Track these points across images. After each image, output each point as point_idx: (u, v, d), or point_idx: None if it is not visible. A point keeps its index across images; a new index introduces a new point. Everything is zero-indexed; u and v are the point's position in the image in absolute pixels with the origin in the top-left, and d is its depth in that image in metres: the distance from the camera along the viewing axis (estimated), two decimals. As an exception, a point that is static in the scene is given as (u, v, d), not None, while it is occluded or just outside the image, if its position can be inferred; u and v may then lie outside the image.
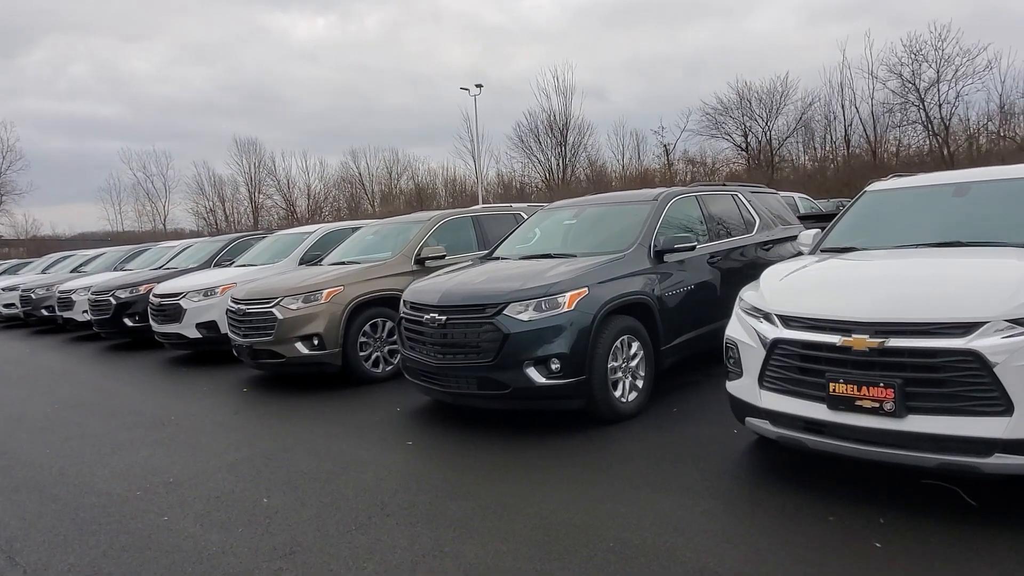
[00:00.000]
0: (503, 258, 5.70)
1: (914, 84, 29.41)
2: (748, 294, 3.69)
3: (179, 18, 67.30)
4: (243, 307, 6.41)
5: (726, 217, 6.09)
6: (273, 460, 4.36)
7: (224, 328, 7.44)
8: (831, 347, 2.97)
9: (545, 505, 3.33)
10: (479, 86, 34.38)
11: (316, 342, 6.02)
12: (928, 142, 30.16)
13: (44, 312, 13.08)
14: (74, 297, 11.54)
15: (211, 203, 53.47)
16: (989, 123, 28.49)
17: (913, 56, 29.09)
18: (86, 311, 10.80)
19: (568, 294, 4.37)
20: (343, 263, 7.14)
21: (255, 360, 6.37)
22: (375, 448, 4.49)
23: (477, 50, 62.22)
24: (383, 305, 6.31)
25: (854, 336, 2.88)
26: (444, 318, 4.51)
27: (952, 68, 28.36)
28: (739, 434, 4.00)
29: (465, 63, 61.28)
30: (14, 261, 22.36)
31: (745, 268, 5.82)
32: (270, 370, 6.64)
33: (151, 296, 8.62)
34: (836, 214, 4.91)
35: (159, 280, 9.49)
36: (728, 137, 38.68)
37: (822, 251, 4.22)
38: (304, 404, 5.79)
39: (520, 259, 5.44)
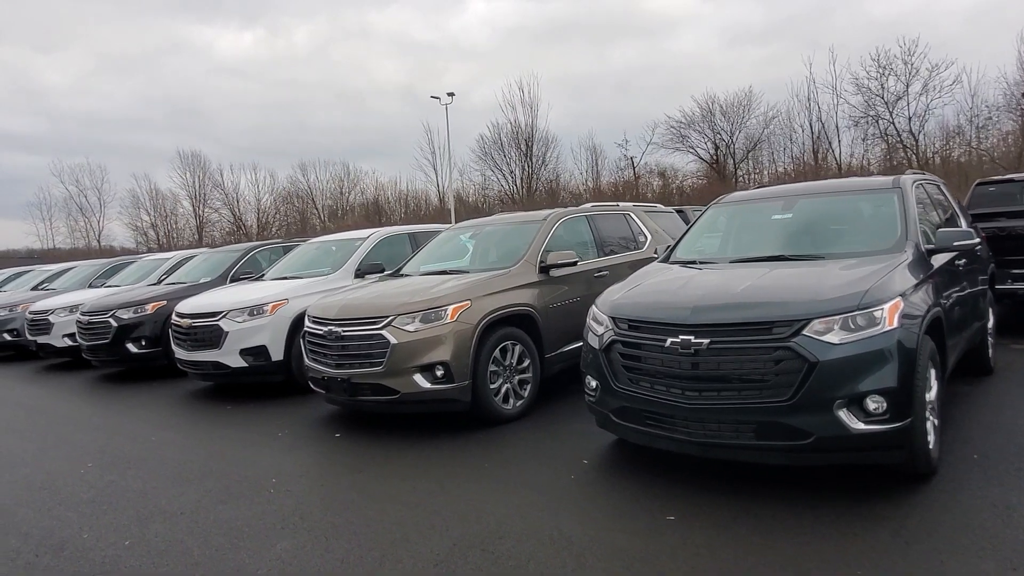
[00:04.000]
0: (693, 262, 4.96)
1: (882, 97, 31.45)
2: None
3: (95, 29, 68.69)
4: (335, 329, 5.41)
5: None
6: (491, 550, 3.31)
7: (276, 354, 6.98)
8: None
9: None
10: (451, 94, 35.54)
11: (441, 373, 5.13)
12: (891, 155, 32.29)
13: (7, 336, 12.07)
14: (51, 319, 10.51)
15: (152, 218, 53.51)
16: (957, 137, 30.62)
17: (881, 70, 31.19)
18: (69, 335, 10.05)
19: (887, 306, 3.50)
20: (442, 272, 6.24)
21: (352, 396, 5.39)
22: (629, 530, 3.42)
23: (408, 65, 66.14)
24: (512, 324, 5.61)
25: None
26: (705, 341, 3.59)
27: (921, 81, 30.50)
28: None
29: (397, 79, 65.02)
30: None
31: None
32: (371, 408, 5.59)
33: (174, 317, 7.65)
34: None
35: (170, 297, 8.80)
36: (692, 150, 40.54)
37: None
38: (436, 453, 4.84)
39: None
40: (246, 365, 7.08)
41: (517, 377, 5.64)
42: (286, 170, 71.56)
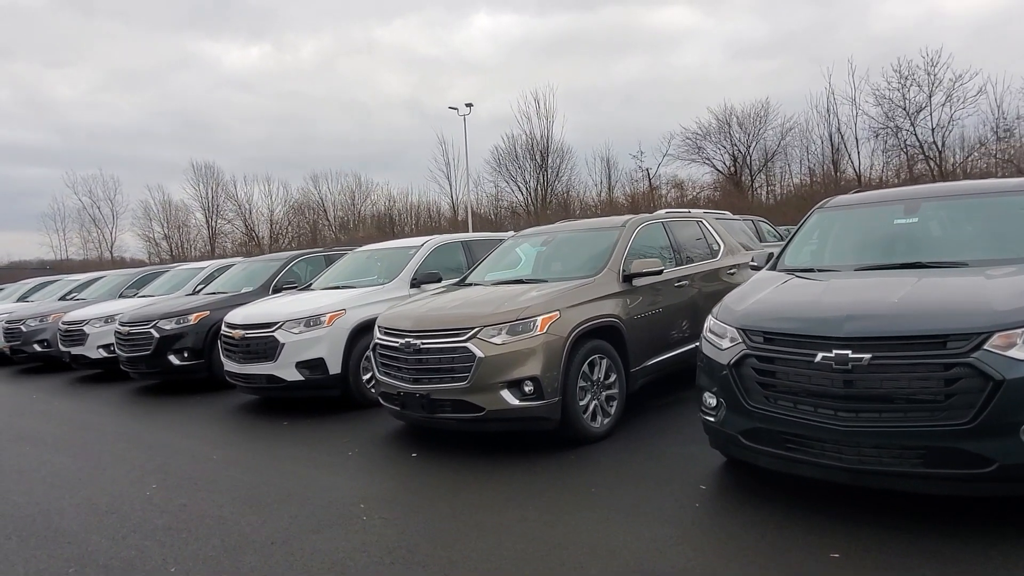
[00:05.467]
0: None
1: (904, 108, 31.11)
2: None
3: (105, 45, 70.34)
4: (413, 341, 5.07)
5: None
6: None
7: (334, 367, 6.64)
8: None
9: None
10: (469, 105, 35.39)
11: (530, 388, 4.78)
12: (911, 166, 31.94)
13: (37, 347, 11.77)
14: (86, 329, 10.28)
15: (165, 229, 53.52)
16: (982, 147, 30.22)
17: (903, 81, 30.87)
18: (104, 346, 9.94)
19: None
20: (517, 282, 5.90)
21: (431, 413, 5.02)
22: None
23: (413, 79, 67.51)
24: (599, 336, 5.25)
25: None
26: (866, 357, 3.22)
27: (944, 92, 30.16)
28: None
29: (403, 92, 66.24)
30: None
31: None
32: (451, 426, 5.16)
33: (224, 328, 7.31)
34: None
35: (213, 308, 8.53)
36: (708, 162, 40.28)
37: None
38: (531, 476, 4.46)
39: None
40: (302, 379, 6.70)
41: (604, 393, 5.28)
42: (295, 182, 72.00)
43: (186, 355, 8.47)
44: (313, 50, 70.21)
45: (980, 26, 42.28)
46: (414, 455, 5.18)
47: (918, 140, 31.34)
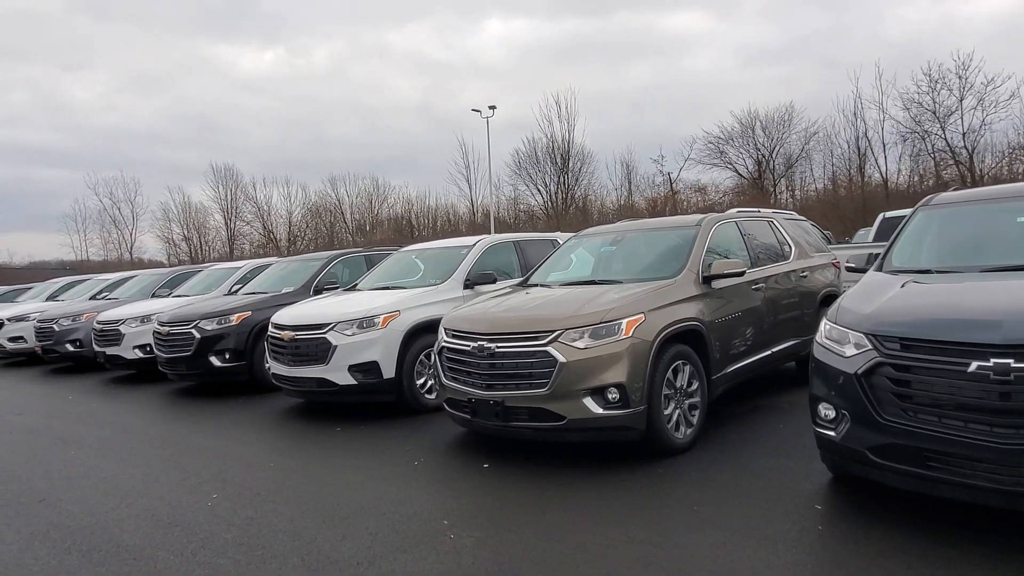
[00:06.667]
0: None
1: (934, 112, 30.49)
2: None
3: (120, 48, 70.35)
4: (486, 344, 4.73)
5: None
6: None
7: (388, 371, 6.33)
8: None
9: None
10: (492, 108, 35.15)
11: (614, 396, 4.43)
12: (938, 171, 31.32)
13: (70, 347, 11.57)
14: (122, 329, 10.02)
15: (185, 230, 53.69)
16: (1016, 152, 29.52)
17: (933, 85, 30.27)
18: (140, 346, 9.78)
19: None
20: (589, 283, 5.55)
21: (505, 421, 4.65)
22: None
23: (425, 84, 67.23)
24: (681, 341, 4.88)
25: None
26: None
27: (976, 96, 29.50)
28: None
29: (415, 97, 66.05)
30: (4, 288, 20.44)
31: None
32: (526, 436, 4.78)
33: (271, 329, 6.99)
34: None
35: (255, 308, 8.32)
36: (730, 166, 39.82)
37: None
38: (622, 492, 4.11)
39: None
40: (355, 383, 6.40)
41: (687, 401, 4.94)
42: (312, 184, 72.18)
43: (227, 356, 8.17)
44: (326, 54, 70.46)
45: (993, 32, 41.58)
46: (485, 466, 4.86)
47: (948, 145, 30.71)
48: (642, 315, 4.67)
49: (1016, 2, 39.28)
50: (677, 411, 4.83)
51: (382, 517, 3.97)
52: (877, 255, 4.86)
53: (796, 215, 7.20)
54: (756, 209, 7.09)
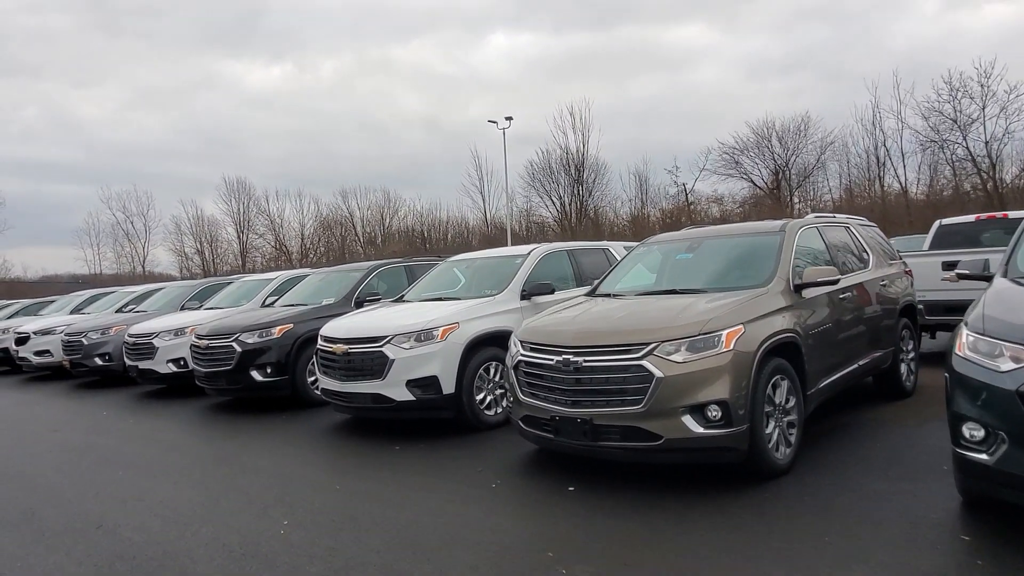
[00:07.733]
0: None
1: (955, 120, 30.14)
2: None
3: (130, 64, 71.13)
4: (572, 358, 4.40)
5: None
6: None
7: (448, 387, 6.00)
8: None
9: None
10: (509, 119, 34.97)
11: (716, 414, 4.10)
12: (958, 181, 30.95)
13: (99, 361, 11.26)
14: (155, 343, 9.68)
15: (197, 244, 53.70)
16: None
17: (954, 93, 29.92)
18: (174, 360, 9.47)
19: None
20: (670, 292, 5.24)
21: (594, 441, 4.32)
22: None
23: (431, 97, 68.03)
24: (779, 355, 4.51)
25: None
26: None
27: (998, 104, 29.15)
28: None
29: (421, 110, 66.73)
30: (26, 301, 20.09)
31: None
32: (615, 457, 4.44)
33: (321, 342, 6.67)
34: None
35: (297, 320, 8.01)
36: (746, 176, 39.50)
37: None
38: (731, 519, 3.77)
39: None
40: (413, 398, 6.06)
41: (785, 419, 4.59)
42: (323, 197, 72.37)
43: (269, 371, 7.82)
44: (333, 69, 70.99)
45: (997, 43, 41.37)
46: (571, 489, 4.50)
47: (970, 154, 30.31)
48: (742, 326, 4.33)
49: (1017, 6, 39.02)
50: (776, 429, 4.48)
51: (477, 548, 3.63)
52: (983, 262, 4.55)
53: (867, 221, 6.86)
54: (831, 215, 6.75)
